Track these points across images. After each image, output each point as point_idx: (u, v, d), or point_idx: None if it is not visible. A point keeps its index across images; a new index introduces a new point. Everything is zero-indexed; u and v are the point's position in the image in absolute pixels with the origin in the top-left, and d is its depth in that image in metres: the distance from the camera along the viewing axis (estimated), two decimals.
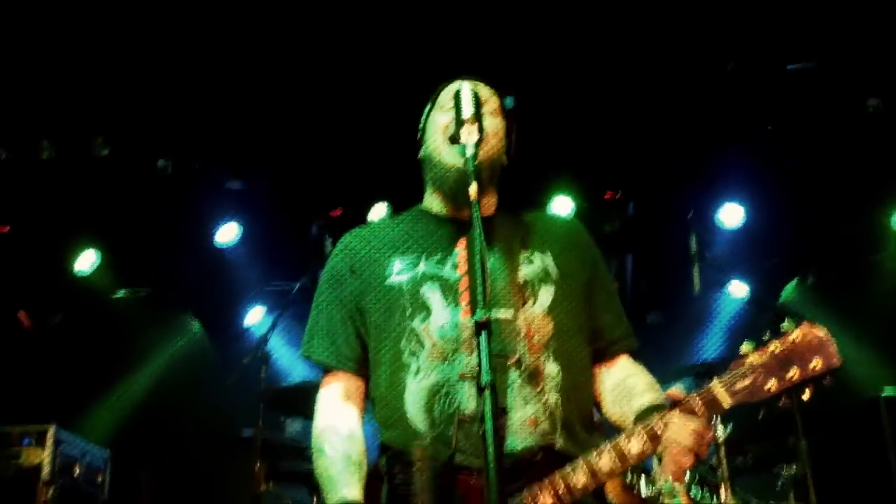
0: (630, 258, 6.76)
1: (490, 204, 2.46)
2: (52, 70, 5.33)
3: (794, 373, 1.93)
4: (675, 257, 6.70)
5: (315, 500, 4.51)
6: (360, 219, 6.30)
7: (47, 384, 5.94)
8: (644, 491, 4.20)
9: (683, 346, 6.63)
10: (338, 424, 2.34)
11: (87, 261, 6.49)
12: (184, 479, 5.78)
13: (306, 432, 5.39)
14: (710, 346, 6.67)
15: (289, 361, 6.43)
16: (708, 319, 6.81)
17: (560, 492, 2.00)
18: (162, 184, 6.21)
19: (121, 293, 6.81)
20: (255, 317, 6.92)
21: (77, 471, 4.48)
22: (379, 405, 2.33)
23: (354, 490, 2.22)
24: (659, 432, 1.99)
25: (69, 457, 4.46)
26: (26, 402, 5.43)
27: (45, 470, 4.24)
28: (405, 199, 2.65)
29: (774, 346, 1.96)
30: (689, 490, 4.08)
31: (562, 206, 6.13)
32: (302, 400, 4.81)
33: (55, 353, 6.12)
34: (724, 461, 4.11)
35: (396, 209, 6.06)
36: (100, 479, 4.73)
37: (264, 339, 4.92)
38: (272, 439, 4.83)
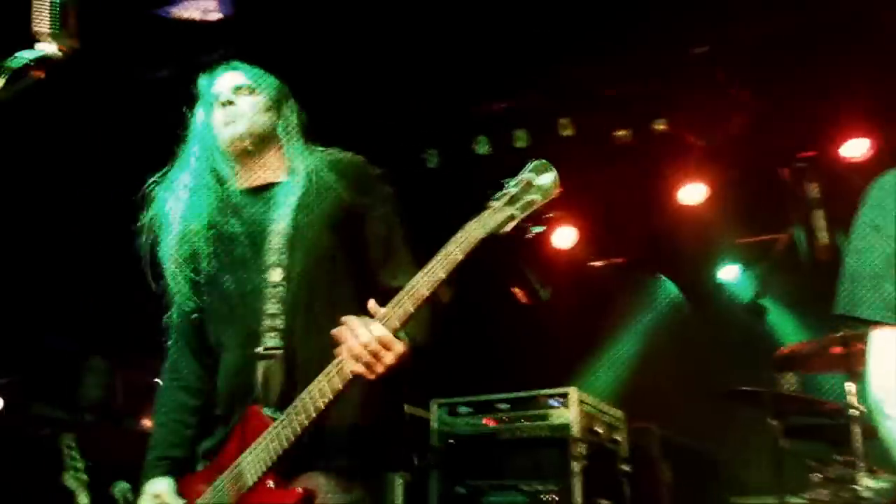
0: None
1: None
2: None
3: None
4: None
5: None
6: (833, 157, 5.90)
7: (548, 351, 6.56)
8: None
9: None
10: None
11: (565, 237, 7.03)
12: (688, 434, 5.90)
13: (804, 386, 5.27)
14: None
15: (780, 317, 6.26)
16: None
17: None
18: (624, 156, 6.44)
19: (599, 263, 7.27)
20: (731, 272, 6.89)
21: (599, 428, 4.84)
22: None
23: None
24: None
25: (591, 415, 4.83)
26: (534, 368, 6.05)
27: (575, 428, 4.64)
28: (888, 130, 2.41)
29: None
30: None
31: None
32: (799, 359, 4.70)
33: (552, 322, 6.73)
34: None
35: (879, 142, 5.60)
36: (618, 437, 5.04)
37: (758, 294, 4.84)
38: (779, 394, 4.73)
